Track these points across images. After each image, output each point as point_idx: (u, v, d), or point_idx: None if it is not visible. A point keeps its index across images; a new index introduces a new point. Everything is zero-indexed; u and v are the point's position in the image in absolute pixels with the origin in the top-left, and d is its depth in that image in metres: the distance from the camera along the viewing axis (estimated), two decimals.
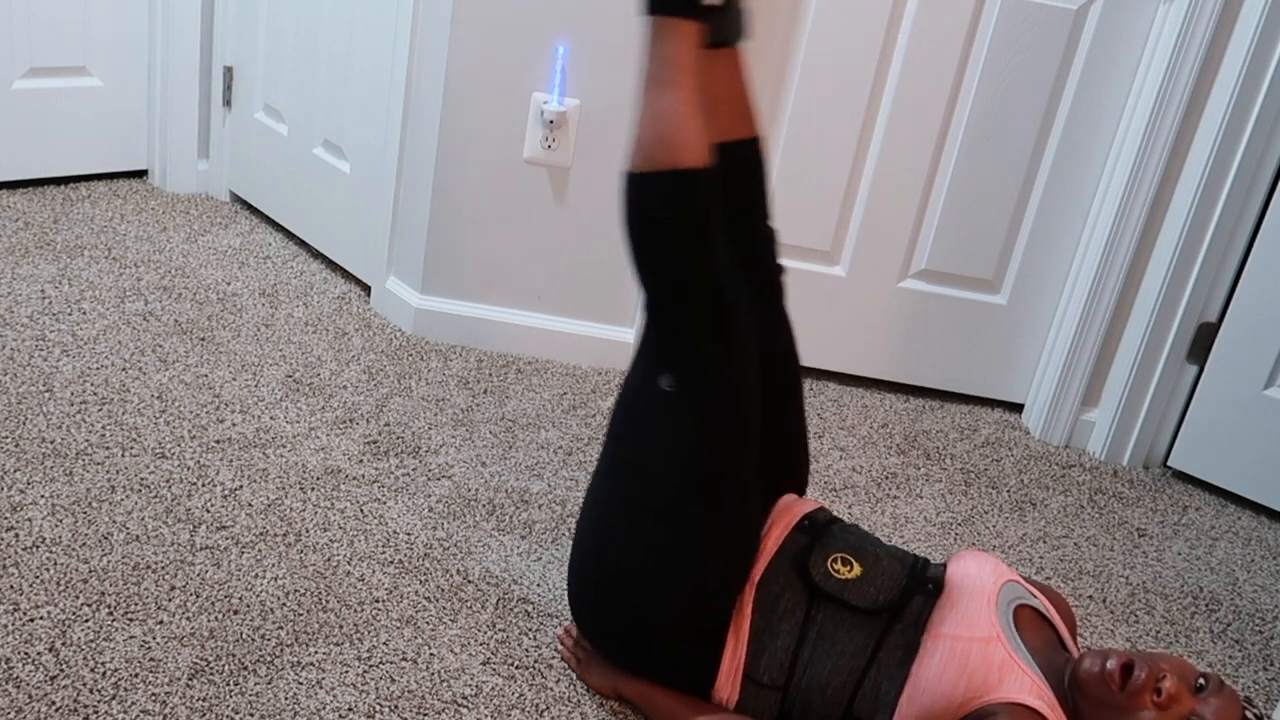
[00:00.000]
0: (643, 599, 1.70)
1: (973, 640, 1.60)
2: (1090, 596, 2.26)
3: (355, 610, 1.86)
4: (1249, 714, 1.55)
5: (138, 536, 1.92)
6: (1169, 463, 2.75)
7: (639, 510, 1.69)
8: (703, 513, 1.67)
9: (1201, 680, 1.55)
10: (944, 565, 1.76)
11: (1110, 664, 1.56)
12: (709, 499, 1.66)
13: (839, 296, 2.79)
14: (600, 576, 1.73)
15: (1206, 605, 2.30)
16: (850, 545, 1.73)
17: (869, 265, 2.76)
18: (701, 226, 1.57)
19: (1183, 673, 1.55)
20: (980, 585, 1.67)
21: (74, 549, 1.87)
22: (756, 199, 1.80)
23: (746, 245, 1.74)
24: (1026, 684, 1.57)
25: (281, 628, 1.79)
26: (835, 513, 2.09)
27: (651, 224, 1.59)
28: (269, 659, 1.73)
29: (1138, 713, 1.54)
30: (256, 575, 1.89)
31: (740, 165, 1.75)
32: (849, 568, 1.69)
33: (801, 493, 1.92)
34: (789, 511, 1.78)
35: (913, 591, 1.68)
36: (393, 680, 1.74)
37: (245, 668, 1.71)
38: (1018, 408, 2.89)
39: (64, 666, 1.65)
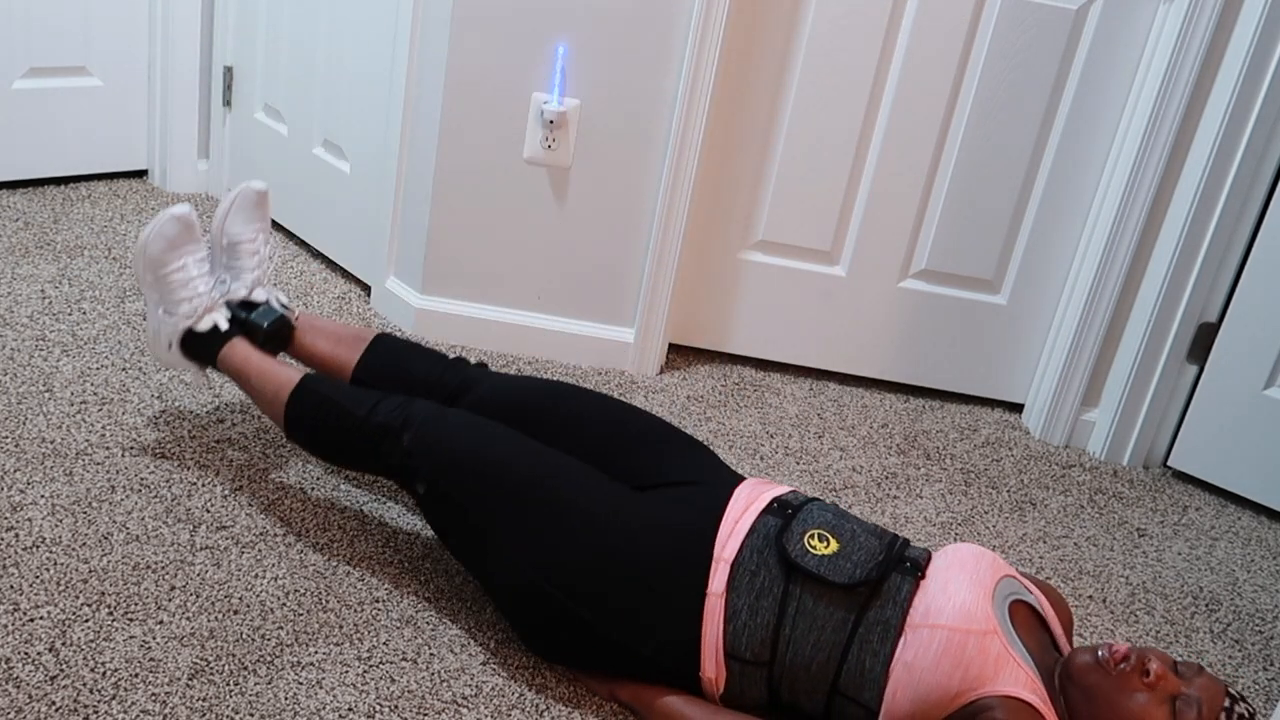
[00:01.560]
0: (590, 616, 1.74)
1: (970, 632, 1.60)
2: (1090, 596, 2.26)
3: (355, 610, 1.86)
4: (1231, 692, 1.58)
5: (138, 536, 1.92)
6: (1169, 463, 2.75)
7: (521, 570, 1.76)
8: (553, 524, 1.76)
9: (1179, 667, 1.60)
10: (924, 549, 1.78)
11: (1102, 653, 1.61)
12: (543, 513, 1.78)
13: (839, 296, 2.79)
14: (548, 628, 1.78)
15: (1206, 605, 2.30)
16: (826, 522, 1.75)
17: (869, 265, 2.76)
18: (324, 407, 1.95)
19: (1163, 659, 1.61)
20: (978, 578, 1.68)
21: (74, 549, 1.87)
22: (415, 360, 2.12)
23: (430, 381, 2.07)
24: (1022, 678, 1.58)
25: (281, 628, 1.80)
26: None
27: (311, 443, 2.00)
28: (269, 659, 1.73)
29: (1131, 694, 1.57)
30: (256, 575, 1.89)
31: (384, 356, 2.12)
32: (825, 544, 1.71)
33: (706, 455, 1.96)
34: (758, 495, 1.80)
35: (890, 568, 1.70)
36: (393, 680, 1.74)
37: (245, 668, 1.71)
38: (1018, 408, 2.89)
39: (64, 666, 1.65)
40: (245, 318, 2.11)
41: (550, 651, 1.82)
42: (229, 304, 2.11)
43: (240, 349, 2.06)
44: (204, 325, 2.07)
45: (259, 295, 2.14)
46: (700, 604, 1.70)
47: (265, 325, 2.10)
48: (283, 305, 2.15)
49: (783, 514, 1.76)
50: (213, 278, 2.10)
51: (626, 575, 1.73)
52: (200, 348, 2.07)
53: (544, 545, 1.75)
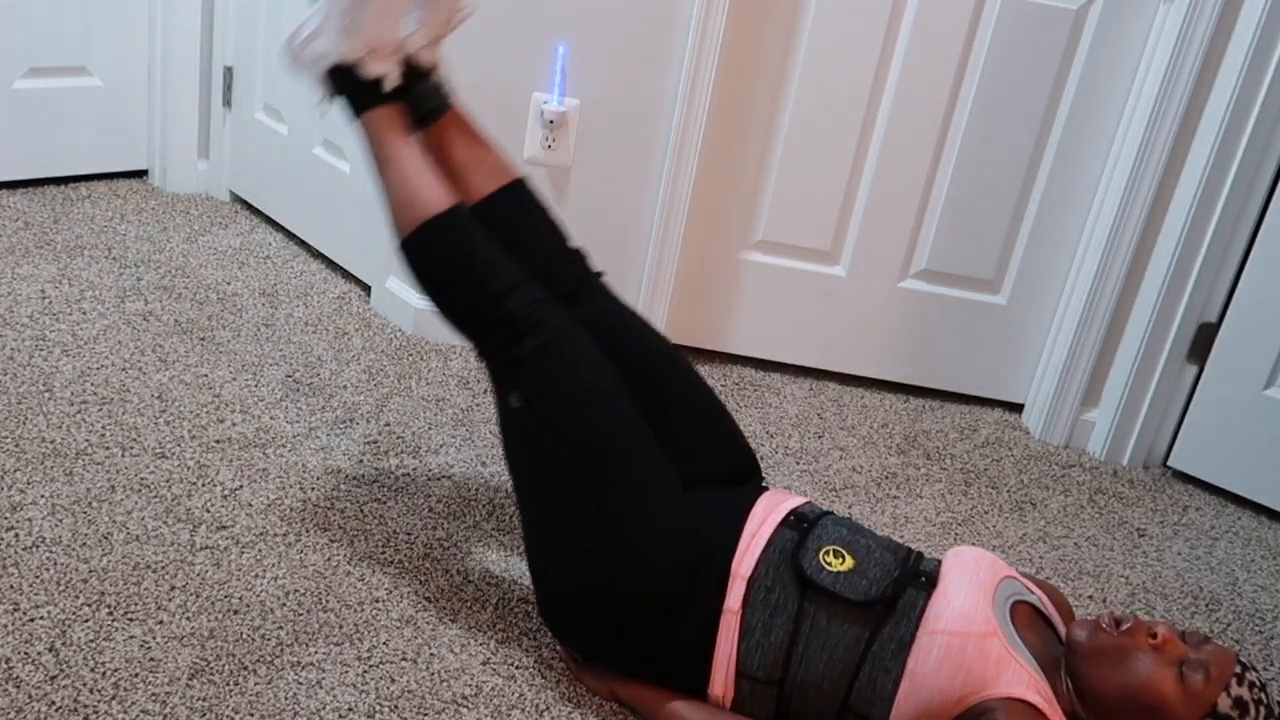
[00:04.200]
0: (611, 599, 1.71)
1: (969, 635, 1.60)
2: (1090, 596, 2.26)
3: (355, 610, 1.86)
4: (1241, 660, 1.55)
5: (138, 536, 1.92)
6: (1169, 463, 2.75)
7: (566, 521, 1.73)
8: (618, 497, 1.72)
9: (1186, 635, 1.58)
10: (937, 560, 1.77)
11: (1104, 622, 1.59)
12: (613, 482, 1.72)
13: (839, 296, 2.79)
14: (566, 592, 1.76)
15: (1206, 605, 2.30)
16: (842, 538, 1.73)
17: (869, 265, 2.76)
18: (463, 256, 1.76)
19: (1169, 625, 1.59)
20: (977, 581, 1.68)
21: (74, 549, 1.87)
22: (541, 230, 1.94)
23: (548, 268, 1.88)
24: (1024, 678, 1.57)
25: (281, 628, 1.80)
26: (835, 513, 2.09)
27: (425, 272, 1.80)
28: (269, 659, 1.73)
29: (1135, 654, 1.55)
30: (256, 575, 1.89)
31: (514, 208, 1.92)
32: (840, 560, 1.69)
33: (755, 479, 1.94)
34: (775, 508, 1.78)
35: (905, 583, 1.68)
36: (393, 680, 1.74)
37: (245, 668, 1.71)
38: (1018, 408, 2.89)
39: (64, 666, 1.65)
40: (409, 86, 1.86)
41: (558, 625, 1.80)
42: (406, 59, 1.85)
43: (396, 126, 1.83)
44: (372, 71, 1.82)
45: (427, 58, 1.87)
46: (716, 621, 1.68)
47: (430, 109, 1.90)
48: (445, 90, 1.91)
49: (799, 528, 1.74)
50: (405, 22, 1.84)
51: (651, 581, 1.70)
52: (350, 87, 1.84)
53: (594, 521, 1.71)
